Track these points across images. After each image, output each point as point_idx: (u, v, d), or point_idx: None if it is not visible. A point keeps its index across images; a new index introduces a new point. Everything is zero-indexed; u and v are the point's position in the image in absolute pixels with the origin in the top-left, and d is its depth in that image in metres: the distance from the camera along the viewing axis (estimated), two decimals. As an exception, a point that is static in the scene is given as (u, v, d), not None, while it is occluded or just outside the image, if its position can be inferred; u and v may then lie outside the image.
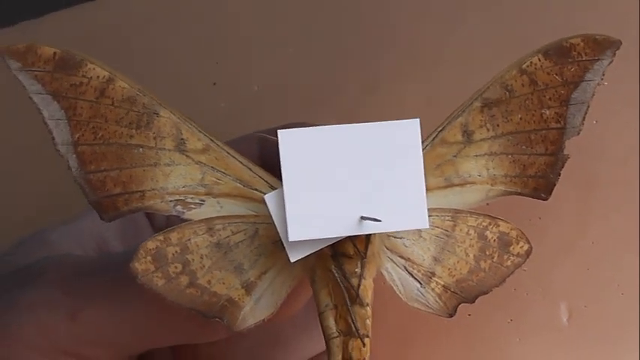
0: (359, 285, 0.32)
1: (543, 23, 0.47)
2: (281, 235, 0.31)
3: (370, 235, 0.32)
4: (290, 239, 0.31)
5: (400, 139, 0.31)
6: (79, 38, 0.52)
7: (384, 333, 0.40)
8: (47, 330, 0.35)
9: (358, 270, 0.32)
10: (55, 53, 0.31)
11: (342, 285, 0.32)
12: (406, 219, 0.31)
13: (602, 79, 0.35)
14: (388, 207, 0.31)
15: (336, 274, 0.32)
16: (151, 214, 0.42)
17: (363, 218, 0.31)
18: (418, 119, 0.31)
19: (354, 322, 0.32)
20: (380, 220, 0.31)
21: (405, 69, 0.49)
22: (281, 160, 0.31)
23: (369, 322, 0.32)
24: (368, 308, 0.32)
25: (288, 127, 0.40)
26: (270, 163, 0.34)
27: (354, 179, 0.31)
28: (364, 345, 0.32)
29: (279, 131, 0.31)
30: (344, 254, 0.32)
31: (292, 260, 0.31)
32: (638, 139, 0.44)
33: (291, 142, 0.31)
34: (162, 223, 0.43)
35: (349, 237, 0.32)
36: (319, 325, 0.36)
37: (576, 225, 0.41)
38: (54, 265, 0.37)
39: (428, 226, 0.32)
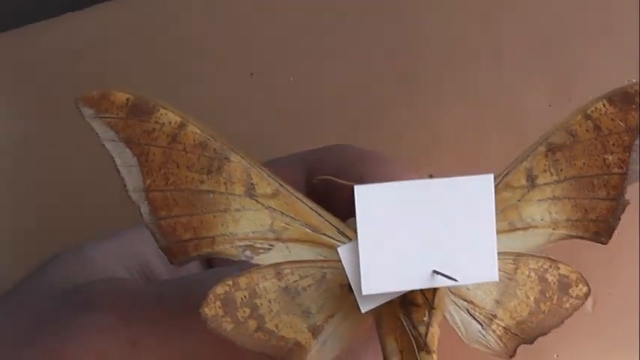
0: (427, 333, 0.32)
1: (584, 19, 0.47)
2: (353, 286, 0.31)
3: None
4: (363, 293, 0.31)
5: (474, 194, 0.31)
6: (113, 33, 0.52)
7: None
8: (106, 356, 0.35)
9: (426, 319, 0.32)
10: (127, 99, 0.31)
11: (410, 333, 0.32)
12: (477, 273, 0.32)
13: (666, 125, 0.35)
14: (460, 261, 0.31)
15: (405, 323, 0.32)
16: None
17: (435, 272, 0.31)
18: (492, 175, 0.32)
19: None
20: (455, 280, 0.31)
21: (441, 64, 0.48)
22: (357, 214, 0.31)
23: None
24: (434, 355, 0.33)
25: (338, 153, 0.40)
26: (316, 192, 0.34)
27: (428, 233, 0.31)
28: None
29: (355, 187, 0.31)
30: (412, 303, 0.32)
31: (363, 311, 0.32)
32: None
33: (367, 197, 0.31)
34: None
35: None
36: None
37: None
38: (109, 291, 0.37)
39: (497, 279, 0.32)
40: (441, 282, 0.31)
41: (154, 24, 0.52)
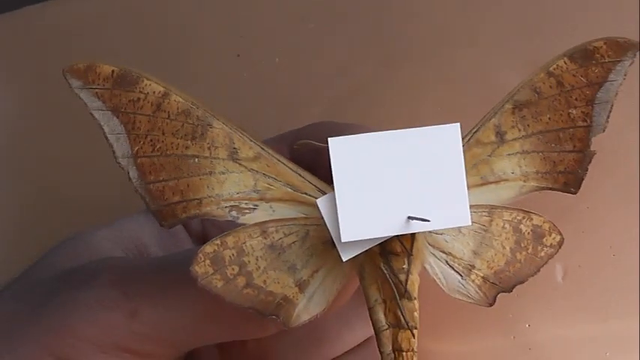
0: (407, 280, 0.34)
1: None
2: (333, 236, 0.33)
3: (415, 233, 0.34)
4: (342, 240, 0.32)
5: (442, 143, 0.33)
6: (103, 15, 0.55)
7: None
8: (108, 328, 0.36)
9: (405, 266, 0.34)
10: (113, 71, 0.33)
11: (390, 281, 0.34)
12: (450, 218, 0.33)
13: (624, 78, 0.36)
14: (433, 207, 0.33)
15: (385, 271, 0.34)
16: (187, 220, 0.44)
17: (410, 218, 0.33)
18: (459, 124, 0.33)
19: (403, 315, 0.34)
20: (428, 220, 0.32)
21: (421, 45, 0.50)
22: (332, 165, 0.32)
23: (416, 314, 0.34)
24: (415, 302, 0.34)
25: (319, 128, 0.41)
26: (301, 165, 0.35)
27: (401, 182, 0.33)
28: (413, 336, 0.34)
29: (329, 139, 0.32)
30: (392, 252, 0.34)
31: (344, 259, 0.33)
32: (634, 114, 0.46)
33: (340, 149, 0.32)
34: (198, 229, 0.44)
35: (396, 236, 0.33)
36: (358, 315, 0.38)
37: None
38: (109, 267, 0.38)
39: (470, 224, 0.33)
40: (416, 227, 0.33)
41: (144, 7, 0.55)
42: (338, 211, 0.32)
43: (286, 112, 0.50)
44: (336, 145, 0.33)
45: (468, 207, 0.33)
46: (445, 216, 0.33)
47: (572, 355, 0.45)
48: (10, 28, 0.55)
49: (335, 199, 0.33)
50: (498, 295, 0.37)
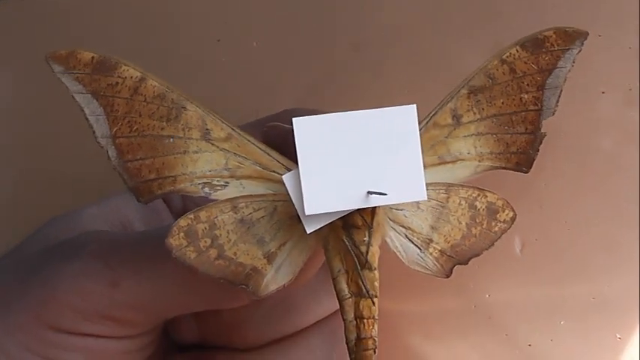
0: (367, 252, 0.36)
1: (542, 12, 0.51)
2: (298, 210, 0.35)
3: (375, 208, 0.36)
4: (306, 213, 0.34)
5: (400, 123, 0.35)
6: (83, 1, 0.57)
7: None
8: (91, 297, 0.38)
9: (366, 239, 0.36)
10: (93, 57, 0.35)
11: (352, 252, 0.36)
12: (407, 192, 0.35)
13: (572, 65, 0.38)
14: (391, 182, 0.35)
15: (347, 243, 0.36)
16: (168, 199, 0.46)
17: (369, 193, 0.35)
18: (415, 105, 0.35)
19: (364, 285, 0.36)
20: (385, 194, 0.34)
21: (391, 32, 0.52)
22: (296, 143, 0.34)
23: (377, 283, 0.36)
24: (376, 272, 0.36)
25: (292, 113, 0.43)
26: (272, 146, 0.38)
27: (361, 159, 0.35)
28: (374, 304, 0.36)
29: (293, 119, 0.35)
30: (353, 225, 0.36)
31: (308, 232, 0.35)
32: (588, 96, 0.48)
33: (304, 128, 0.35)
34: (179, 207, 0.47)
35: (357, 210, 0.35)
36: (326, 290, 0.40)
37: (532, 169, 0.46)
38: (95, 240, 0.40)
39: (426, 198, 0.35)
40: (374, 201, 0.35)
41: None
42: (302, 186, 0.34)
43: (263, 96, 0.52)
44: (300, 125, 0.35)
45: (424, 183, 0.35)
46: (402, 191, 0.35)
47: (529, 323, 0.47)
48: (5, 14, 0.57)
49: (299, 175, 0.35)
50: (460, 267, 0.39)
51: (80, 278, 0.38)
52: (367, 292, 0.36)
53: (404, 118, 0.35)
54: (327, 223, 0.35)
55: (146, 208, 0.45)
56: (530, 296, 0.47)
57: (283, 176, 0.35)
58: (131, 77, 0.35)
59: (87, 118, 0.35)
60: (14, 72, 0.57)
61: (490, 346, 0.47)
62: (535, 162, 0.43)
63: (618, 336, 0.46)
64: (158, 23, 0.56)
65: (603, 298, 0.47)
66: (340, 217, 0.36)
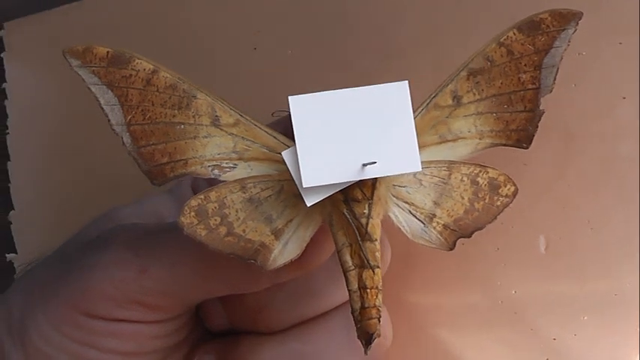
0: (367, 224, 0.37)
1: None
2: (297, 184, 0.36)
3: (376, 182, 0.37)
4: (304, 186, 0.36)
5: (393, 98, 0.36)
6: (126, 14, 0.60)
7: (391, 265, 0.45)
8: (120, 284, 0.40)
9: (366, 211, 0.37)
10: (108, 52, 0.37)
11: (353, 225, 0.37)
12: (401, 163, 0.36)
13: (568, 44, 0.39)
14: (386, 155, 0.36)
15: (348, 216, 0.37)
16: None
17: (364, 165, 0.36)
18: (407, 81, 0.36)
19: (365, 255, 0.37)
20: (375, 162, 0.36)
21: (420, 42, 0.53)
22: (292, 120, 0.36)
23: (378, 254, 0.37)
24: (377, 243, 0.37)
25: None
26: (281, 131, 0.39)
27: (356, 133, 0.36)
28: (375, 274, 0.37)
29: (289, 97, 0.36)
30: (353, 199, 0.37)
31: (308, 204, 0.36)
32: (611, 101, 0.48)
33: (300, 106, 0.36)
34: None
35: (357, 184, 0.37)
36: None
37: (555, 170, 0.46)
38: (123, 231, 0.42)
39: (420, 169, 0.36)
40: (370, 172, 0.36)
41: (166, 6, 0.60)
42: (299, 161, 0.36)
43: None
44: (296, 102, 0.36)
45: (418, 154, 0.36)
46: (397, 162, 0.36)
47: (553, 319, 0.47)
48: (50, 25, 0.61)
49: (297, 151, 0.36)
50: (488, 265, 0.39)
51: (111, 267, 0.40)
52: (368, 262, 0.37)
53: (397, 93, 0.36)
54: (326, 196, 0.36)
55: (178, 205, 0.46)
56: (554, 292, 0.48)
57: (282, 153, 0.37)
58: (144, 69, 0.38)
59: (102, 108, 0.37)
60: (58, 77, 0.60)
61: (516, 340, 0.48)
62: (559, 164, 0.44)
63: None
64: (196, 32, 0.58)
65: (625, 294, 0.47)
66: (341, 192, 0.37)
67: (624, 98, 0.49)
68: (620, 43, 0.49)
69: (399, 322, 0.46)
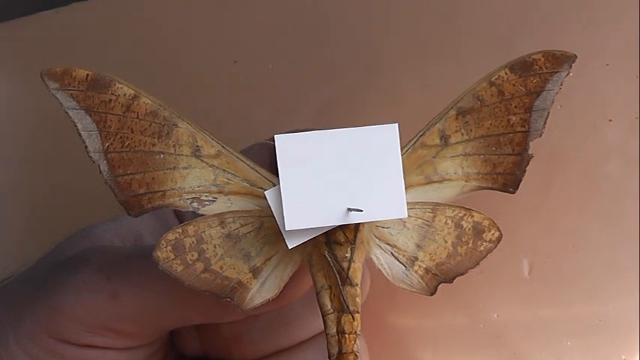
0: (349, 268, 0.34)
1: (538, 18, 0.49)
2: (279, 225, 0.33)
3: (359, 225, 0.34)
4: (287, 229, 0.33)
5: (382, 141, 0.33)
6: (105, 25, 0.57)
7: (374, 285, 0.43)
8: (92, 309, 0.37)
9: (348, 255, 0.34)
10: (87, 75, 0.34)
11: (334, 268, 0.34)
12: (387, 209, 0.33)
13: (560, 88, 0.36)
14: (372, 200, 0.33)
15: (329, 258, 0.34)
16: (181, 215, 0.45)
17: (349, 210, 0.33)
18: (397, 124, 0.34)
19: (345, 301, 0.34)
20: (362, 210, 0.33)
21: (406, 56, 0.51)
22: (278, 160, 0.33)
23: (358, 299, 0.34)
24: (357, 288, 0.34)
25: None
26: (263, 164, 0.36)
27: (342, 176, 0.33)
28: (354, 319, 0.34)
29: (276, 136, 0.33)
30: (336, 242, 0.34)
31: (290, 247, 0.33)
32: (595, 121, 0.47)
33: (286, 145, 0.33)
34: None
35: (340, 227, 0.34)
36: None
37: (540, 192, 0.45)
38: (96, 253, 0.39)
39: (406, 216, 0.34)
40: (354, 218, 0.33)
41: (145, 15, 0.57)
42: (282, 202, 0.33)
43: (279, 115, 0.52)
44: (282, 142, 0.33)
45: (405, 200, 0.33)
46: (383, 208, 0.33)
47: (536, 343, 0.46)
48: (30, 31, 0.57)
49: (281, 191, 0.33)
50: (470, 288, 0.37)
51: (82, 290, 0.38)
52: (348, 307, 0.34)
53: (385, 136, 0.34)
54: (308, 238, 0.34)
55: (157, 223, 0.44)
56: (538, 317, 0.46)
57: (266, 192, 0.34)
58: (124, 95, 0.34)
59: (79, 133, 0.34)
60: (33, 89, 0.56)
61: (498, 364, 0.46)
62: (543, 187, 0.41)
63: (623, 357, 0.45)
64: (177, 46, 0.55)
65: (609, 320, 0.46)
66: (323, 233, 0.34)
67: (610, 120, 0.47)
68: (607, 65, 0.48)
69: (382, 345, 0.45)
